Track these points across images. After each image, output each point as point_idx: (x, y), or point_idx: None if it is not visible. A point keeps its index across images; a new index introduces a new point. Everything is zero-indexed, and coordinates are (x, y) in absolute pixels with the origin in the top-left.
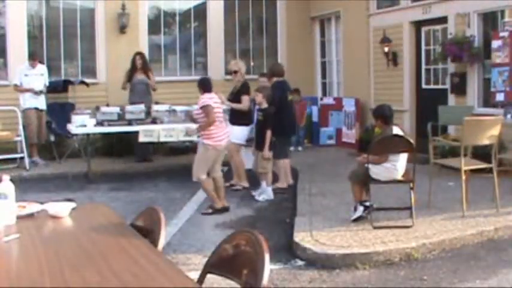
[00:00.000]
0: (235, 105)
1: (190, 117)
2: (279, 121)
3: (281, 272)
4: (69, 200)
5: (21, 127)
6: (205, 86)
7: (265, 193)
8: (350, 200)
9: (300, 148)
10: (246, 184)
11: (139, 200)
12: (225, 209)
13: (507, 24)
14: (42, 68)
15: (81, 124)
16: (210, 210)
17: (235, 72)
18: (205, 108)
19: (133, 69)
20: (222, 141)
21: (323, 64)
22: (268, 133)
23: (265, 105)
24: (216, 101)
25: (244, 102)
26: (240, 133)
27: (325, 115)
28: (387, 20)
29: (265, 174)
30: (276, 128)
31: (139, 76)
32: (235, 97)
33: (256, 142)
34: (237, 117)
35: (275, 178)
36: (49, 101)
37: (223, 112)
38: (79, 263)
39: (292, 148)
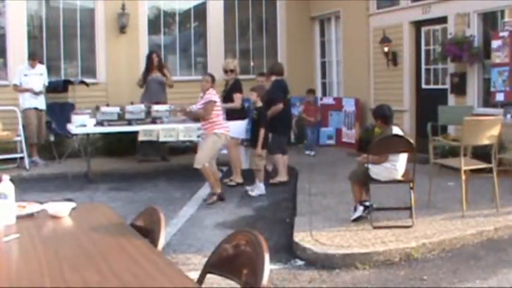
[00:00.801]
0: (229, 105)
1: (175, 113)
2: (278, 119)
3: (281, 272)
4: (68, 200)
5: (21, 127)
6: (214, 81)
7: (257, 188)
8: (350, 200)
9: (312, 152)
10: (240, 180)
11: (139, 200)
12: (222, 197)
13: (507, 24)
14: (41, 68)
15: (81, 124)
16: (214, 198)
17: (232, 71)
18: (208, 104)
19: (150, 68)
20: (229, 131)
21: (323, 64)
22: (262, 131)
23: (259, 103)
24: (218, 97)
25: (237, 101)
26: (238, 128)
27: (325, 115)
28: (387, 20)
29: (258, 171)
30: (274, 126)
31: (154, 74)
32: (227, 94)
33: (250, 140)
34: (232, 114)
35: (271, 173)
36: (49, 101)
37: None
38: (79, 263)
39: (307, 152)
